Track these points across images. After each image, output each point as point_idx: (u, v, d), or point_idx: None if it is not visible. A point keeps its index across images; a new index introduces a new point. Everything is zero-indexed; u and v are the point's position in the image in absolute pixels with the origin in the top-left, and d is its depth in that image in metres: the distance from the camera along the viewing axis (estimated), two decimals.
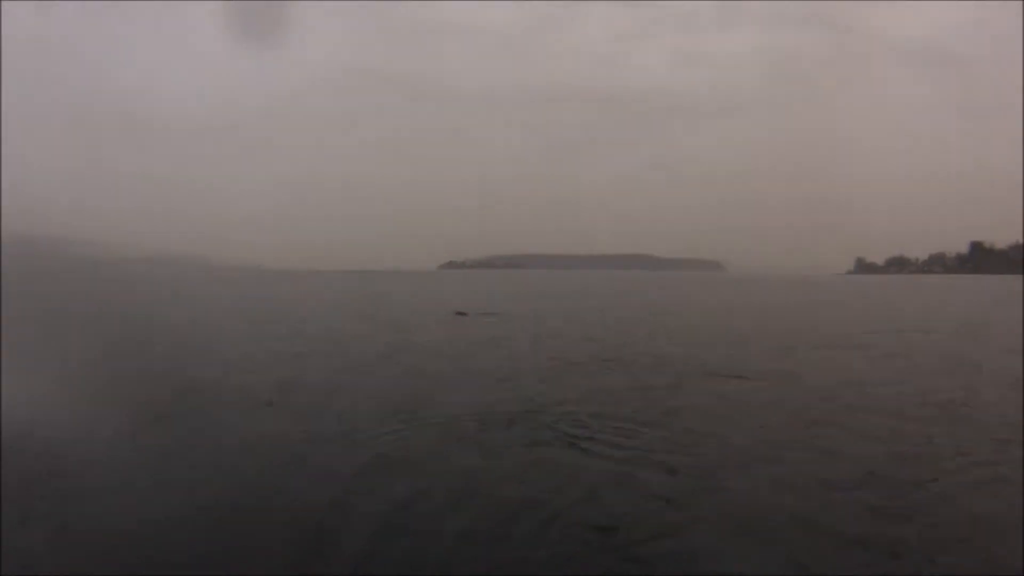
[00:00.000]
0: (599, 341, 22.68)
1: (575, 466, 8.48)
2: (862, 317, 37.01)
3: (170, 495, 7.37)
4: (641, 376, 15.35)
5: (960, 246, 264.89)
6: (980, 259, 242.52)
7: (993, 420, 11.18)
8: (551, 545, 6.20)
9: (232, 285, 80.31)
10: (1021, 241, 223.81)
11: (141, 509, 6.96)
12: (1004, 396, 13.44)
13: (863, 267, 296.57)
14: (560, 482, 7.87)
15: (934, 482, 7.96)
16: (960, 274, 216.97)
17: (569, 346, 21.17)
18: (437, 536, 6.43)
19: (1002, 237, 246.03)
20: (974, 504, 7.30)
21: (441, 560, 5.98)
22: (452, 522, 6.73)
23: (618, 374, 15.71)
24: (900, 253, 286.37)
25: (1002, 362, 18.32)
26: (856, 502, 7.26)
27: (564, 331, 26.67)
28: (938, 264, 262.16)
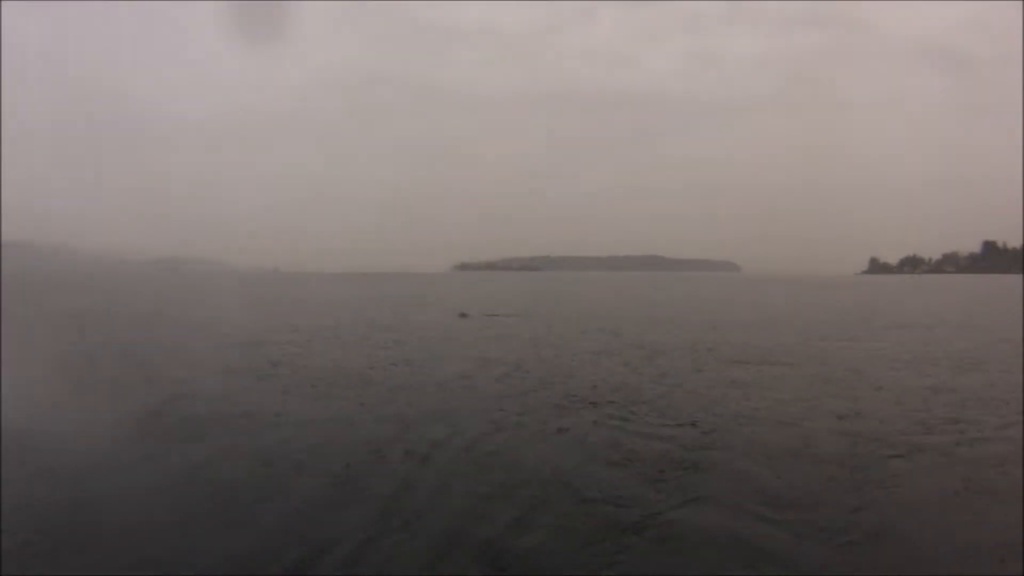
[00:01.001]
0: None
1: None
2: (868, 315, 36.75)
3: (171, 495, 7.32)
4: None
5: (973, 246, 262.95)
6: (993, 258, 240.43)
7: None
8: None
9: (256, 287, 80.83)
10: None
11: (141, 508, 6.90)
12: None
13: (877, 267, 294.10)
14: None
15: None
16: (972, 273, 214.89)
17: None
18: None
19: (1015, 236, 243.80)
20: None
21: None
22: None
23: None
24: (913, 253, 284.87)
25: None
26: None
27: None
28: (951, 264, 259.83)
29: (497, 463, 8.70)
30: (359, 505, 7.24)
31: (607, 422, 10.88)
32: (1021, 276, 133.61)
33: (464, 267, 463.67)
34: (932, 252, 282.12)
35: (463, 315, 34.54)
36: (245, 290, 70.83)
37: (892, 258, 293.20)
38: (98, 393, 13.37)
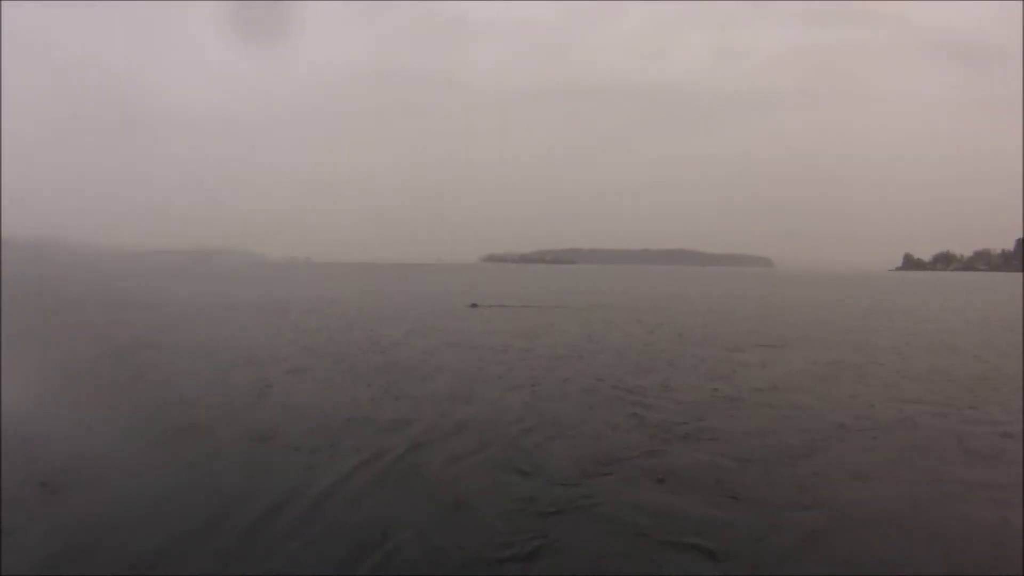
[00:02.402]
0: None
1: None
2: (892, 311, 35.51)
3: (174, 495, 6.95)
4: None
5: (1007, 243, 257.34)
6: None
7: None
8: None
9: (290, 276, 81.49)
10: None
11: (143, 508, 6.60)
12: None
13: (910, 263, 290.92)
14: None
15: None
16: (1006, 272, 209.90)
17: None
18: None
19: None
20: None
21: None
22: None
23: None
24: (946, 250, 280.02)
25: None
26: None
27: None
28: (983, 261, 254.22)
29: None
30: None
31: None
32: None
33: (492, 259, 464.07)
34: (965, 249, 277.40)
35: (474, 305, 34.12)
36: (256, 281, 70.95)
37: (926, 254, 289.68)
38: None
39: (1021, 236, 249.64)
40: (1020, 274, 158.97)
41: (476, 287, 61.60)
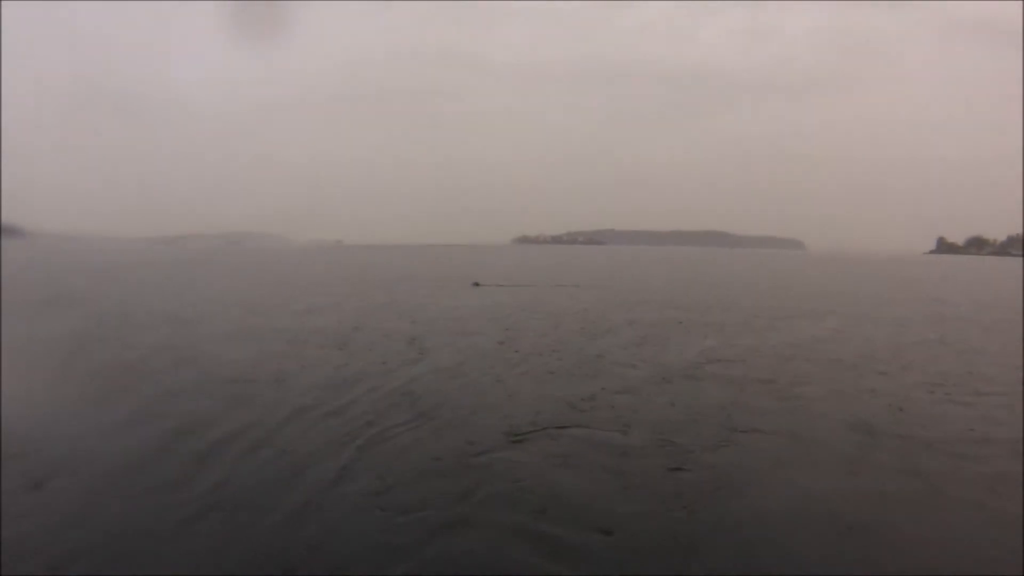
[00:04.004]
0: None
1: None
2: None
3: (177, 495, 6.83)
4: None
5: None
6: None
7: None
8: None
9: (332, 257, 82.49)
10: None
11: (144, 508, 6.52)
12: None
13: (944, 247, 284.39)
14: None
15: None
16: None
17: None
18: None
19: None
20: None
21: None
22: None
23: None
24: (979, 234, 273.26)
25: None
26: None
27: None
28: (1015, 246, 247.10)
29: None
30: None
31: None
32: None
33: (525, 240, 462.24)
34: (998, 233, 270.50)
35: (476, 284, 34.45)
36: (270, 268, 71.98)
37: (959, 238, 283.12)
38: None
39: None
40: None
41: (494, 266, 61.94)
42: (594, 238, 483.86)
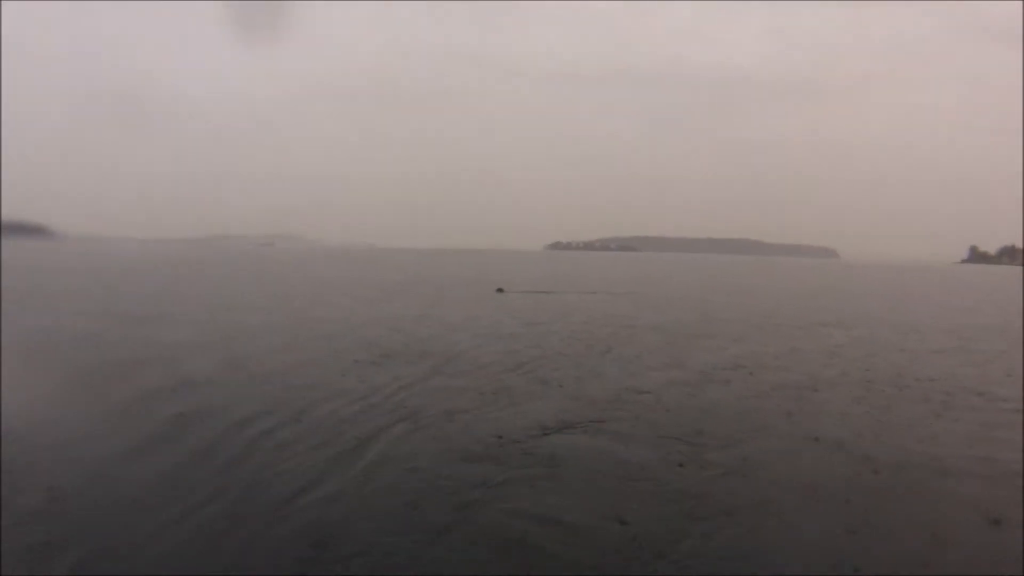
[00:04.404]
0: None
1: None
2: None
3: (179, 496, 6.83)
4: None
5: None
6: None
7: None
8: None
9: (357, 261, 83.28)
10: None
11: (144, 508, 6.51)
12: None
13: (976, 256, 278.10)
14: None
15: None
16: None
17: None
18: None
19: None
20: None
21: None
22: None
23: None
24: (1012, 244, 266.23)
25: None
26: None
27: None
28: None
29: None
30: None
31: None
32: None
33: (558, 246, 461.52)
34: None
35: (500, 290, 34.94)
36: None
37: (992, 246, 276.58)
38: None
39: None
40: None
41: (522, 272, 62.36)
42: (626, 245, 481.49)
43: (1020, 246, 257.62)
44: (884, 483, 7.46)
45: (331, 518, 6.31)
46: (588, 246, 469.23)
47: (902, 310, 31.49)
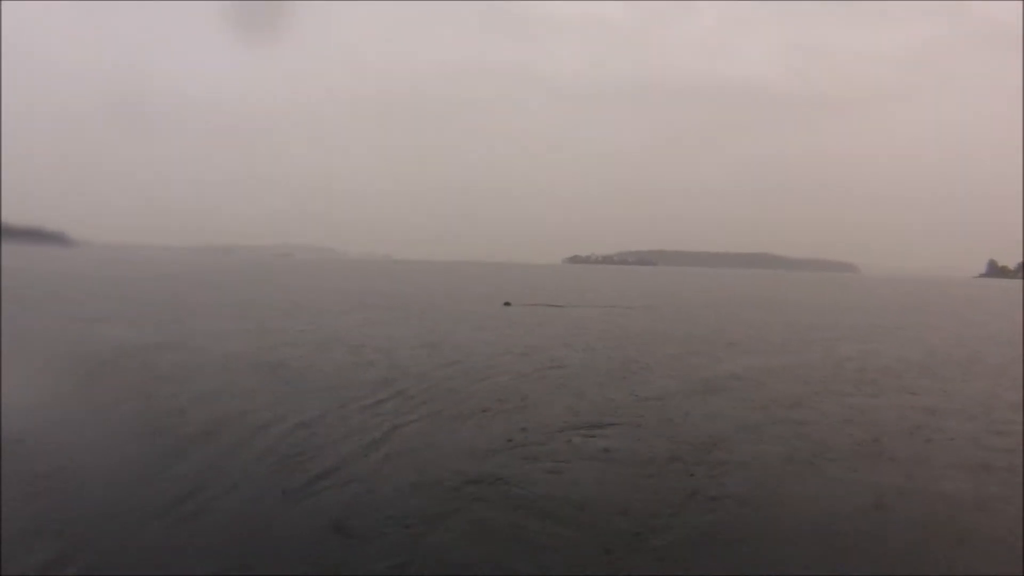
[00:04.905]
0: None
1: None
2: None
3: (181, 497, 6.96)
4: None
5: None
6: None
7: None
8: None
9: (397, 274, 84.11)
10: None
11: (145, 509, 6.61)
12: None
13: (994, 270, 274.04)
14: None
15: None
16: None
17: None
18: None
19: None
20: None
21: None
22: None
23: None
24: None
25: None
26: None
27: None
28: None
29: None
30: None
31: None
32: None
33: (576, 260, 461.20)
34: None
35: (507, 304, 35.76)
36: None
37: (1011, 260, 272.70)
38: None
39: None
40: None
41: (533, 286, 63.20)
42: (644, 259, 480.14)
43: None
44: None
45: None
46: (607, 260, 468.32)
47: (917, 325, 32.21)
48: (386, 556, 5.82)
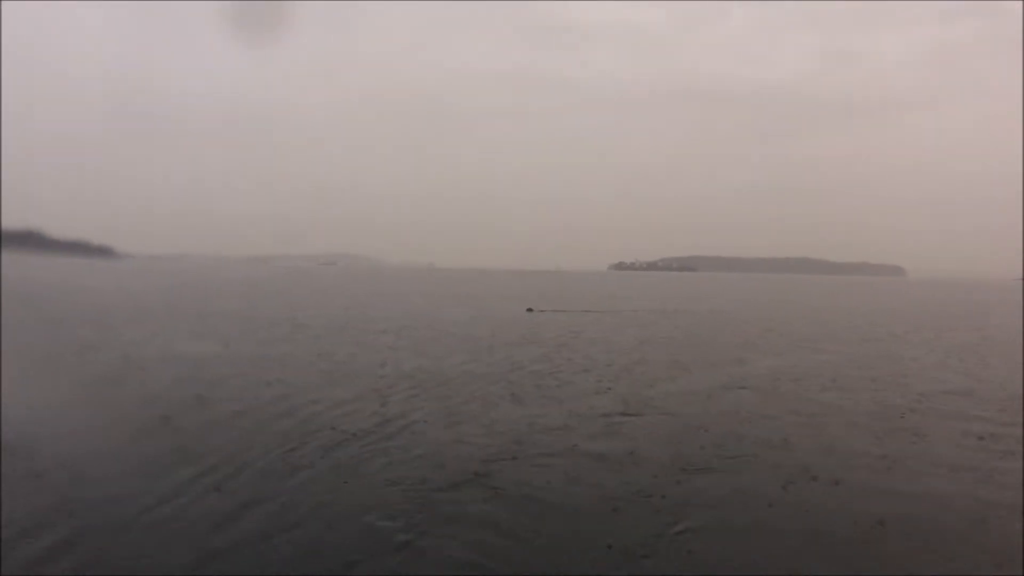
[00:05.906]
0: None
1: None
2: None
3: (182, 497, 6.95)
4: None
5: None
6: None
7: None
8: None
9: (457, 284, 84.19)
10: None
11: (145, 509, 6.59)
12: None
13: None
14: None
15: None
16: None
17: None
18: None
19: None
20: None
21: None
22: None
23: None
24: None
25: None
26: None
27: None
28: None
29: None
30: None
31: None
32: None
33: (621, 267, 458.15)
34: None
35: (529, 310, 36.13)
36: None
37: None
38: None
39: None
40: None
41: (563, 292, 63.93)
42: (687, 264, 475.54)
43: None
44: None
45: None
46: (651, 266, 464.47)
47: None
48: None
